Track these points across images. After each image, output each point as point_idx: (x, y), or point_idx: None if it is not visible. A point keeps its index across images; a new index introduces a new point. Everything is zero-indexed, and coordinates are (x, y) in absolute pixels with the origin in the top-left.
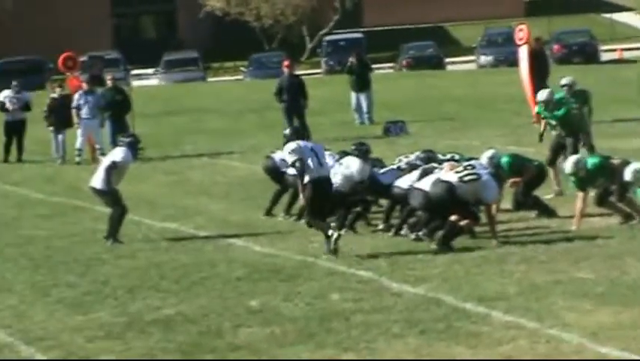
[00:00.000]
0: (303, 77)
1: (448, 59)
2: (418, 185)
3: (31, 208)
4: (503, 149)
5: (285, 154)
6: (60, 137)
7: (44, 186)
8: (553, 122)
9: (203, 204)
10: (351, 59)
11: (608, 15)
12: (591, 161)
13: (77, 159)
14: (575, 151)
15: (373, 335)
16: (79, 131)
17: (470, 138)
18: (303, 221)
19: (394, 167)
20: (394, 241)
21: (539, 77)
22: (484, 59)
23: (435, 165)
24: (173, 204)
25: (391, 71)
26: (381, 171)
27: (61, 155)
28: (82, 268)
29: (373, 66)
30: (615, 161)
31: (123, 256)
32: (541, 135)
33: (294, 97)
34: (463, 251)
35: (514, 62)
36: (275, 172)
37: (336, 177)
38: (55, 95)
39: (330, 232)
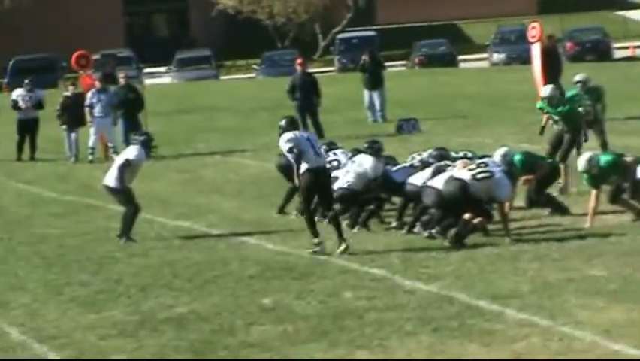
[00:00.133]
0: (315, 75)
1: (460, 57)
2: (431, 183)
3: (44, 207)
4: (516, 146)
5: (282, 144)
6: (73, 135)
7: (57, 185)
8: (556, 118)
9: (215, 203)
10: (364, 57)
11: (620, 12)
12: (604, 158)
13: (90, 157)
14: (570, 148)
15: (386, 332)
16: (92, 130)
17: (483, 136)
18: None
19: (407, 165)
20: (407, 239)
21: (552, 75)
22: (496, 56)
23: (448, 162)
24: (185, 203)
25: (404, 68)
26: (394, 168)
27: (74, 153)
28: (95, 266)
29: (386, 64)
30: (628, 158)
31: (136, 254)
32: (542, 128)
33: (306, 95)
34: (476, 249)
35: (526, 60)
36: (288, 170)
37: (349, 175)
38: (68, 94)
39: (315, 240)
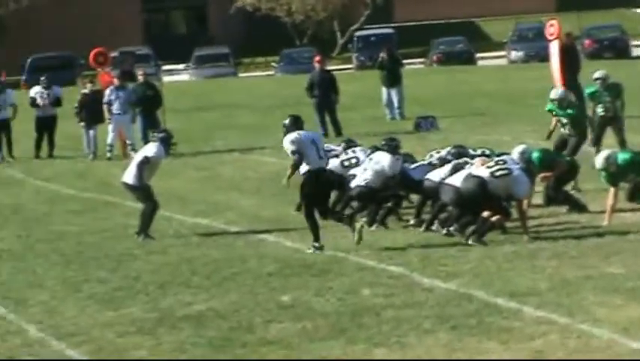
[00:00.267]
0: (334, 72)
1: (478, 55)
2: (449, 180)
3: (62, 204)
4: (534, 144)
5: (285, 144)
6: (91, 132)
7: (75, 182)
8: (565, 121)
9: (234, 200)
10: (382, 55)
11: (638, 10)
12: (622, 156)
13: (108, 154)
14: (575, 154)
15: (404, 330)
16: (110, 127)
17: (501, 134)
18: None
19: (425, 162)
20: (425, 237)
21: (570, 73)
22: (514, 54)
23: (466, 160)
24: (204, 200)
25: (422, 66)
26: (412, 166)
27: (93, 150)
28: (113, 263)
29: (404, 61)
30: None
31: (154, 251)
32: (550, 132)
33: (325, 92)
34: (495, 246)
35: (545, 58)
36: None
37: (367, 172)
38: (86, 91)
39: (315, 244)
